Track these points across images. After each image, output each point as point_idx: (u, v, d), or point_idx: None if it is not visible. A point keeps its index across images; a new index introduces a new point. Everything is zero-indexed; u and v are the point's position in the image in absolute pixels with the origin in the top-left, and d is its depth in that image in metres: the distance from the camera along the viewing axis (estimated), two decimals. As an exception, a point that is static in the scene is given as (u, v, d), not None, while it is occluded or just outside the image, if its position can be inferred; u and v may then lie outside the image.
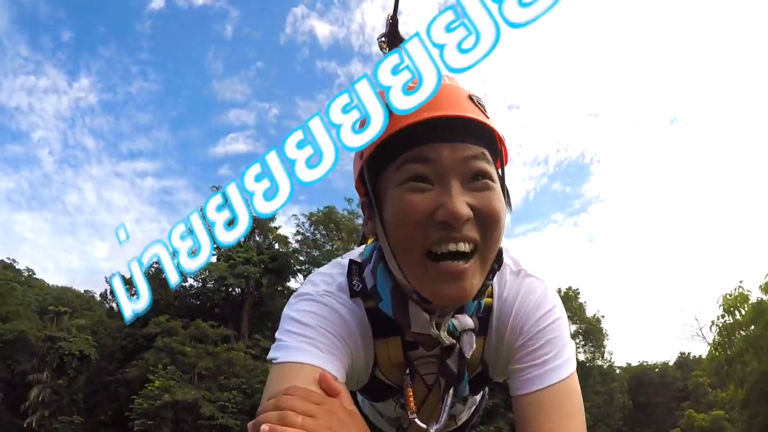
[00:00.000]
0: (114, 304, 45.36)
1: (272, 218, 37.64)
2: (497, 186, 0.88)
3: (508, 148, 0.98)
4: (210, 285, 34.17)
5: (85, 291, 59.97)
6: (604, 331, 40.90)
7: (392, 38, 2.19)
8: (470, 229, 0.85)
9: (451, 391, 1.06)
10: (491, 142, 0.91)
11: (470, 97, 0.90)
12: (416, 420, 1.06)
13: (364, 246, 1.20)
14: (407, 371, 1.10)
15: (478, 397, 1.40)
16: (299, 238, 36.84)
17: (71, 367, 30.04)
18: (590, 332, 39.76)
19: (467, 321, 0.99)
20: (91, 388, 30.75)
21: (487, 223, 0.86)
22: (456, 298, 0.89)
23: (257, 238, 36.48)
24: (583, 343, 39.38)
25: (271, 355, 0.95)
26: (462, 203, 0.82)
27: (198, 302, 34.18)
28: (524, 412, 1.00)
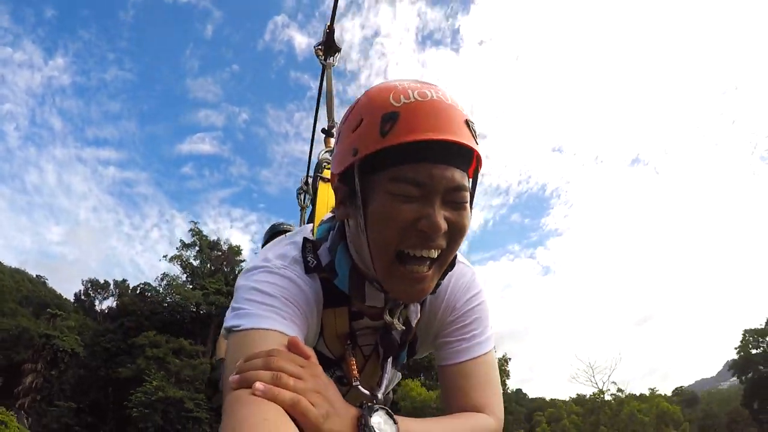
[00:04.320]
0: (86, 305, 51.77)
1: (239, 252, 46.42)
2: (468, 206, 0.98)
3: (482, 166, 1.04)
4: (182, 302, 41.60)
5: (36, 276, 64.82)
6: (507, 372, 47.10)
7: (328, 47, 2.48)
8: (441, 240, 0.95)
9: (390, 359, 1.16)
10: (473, 164, 0.99)
11: (466, 122, 0.94)
12: (359, 387, 1.08)
13: (311, 225, 1.28)
14: (348, 342, 1.17)
15: (399, 375, 1.49)
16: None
17: (63, 362, 37.13)
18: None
19: None
20: (77, 381, 37.88)
21: (456, 236, 0.97)
22: (415, 298, 1.04)
23: (225, 269, 44.90)
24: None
25: (231, 322, 0.95)
26: (441, 218, 0.92)
27: (169, 316, 41.35)
28: (452, 380, 1.16)
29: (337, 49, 2.69)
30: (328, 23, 2.56)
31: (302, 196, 3.08)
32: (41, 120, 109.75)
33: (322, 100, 2.79)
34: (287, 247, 1.14)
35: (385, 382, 1.13)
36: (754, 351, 39.71)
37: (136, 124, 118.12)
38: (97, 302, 53.50)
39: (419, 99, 0.92)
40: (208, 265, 45.27)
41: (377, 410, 0.90)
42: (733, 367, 42.53)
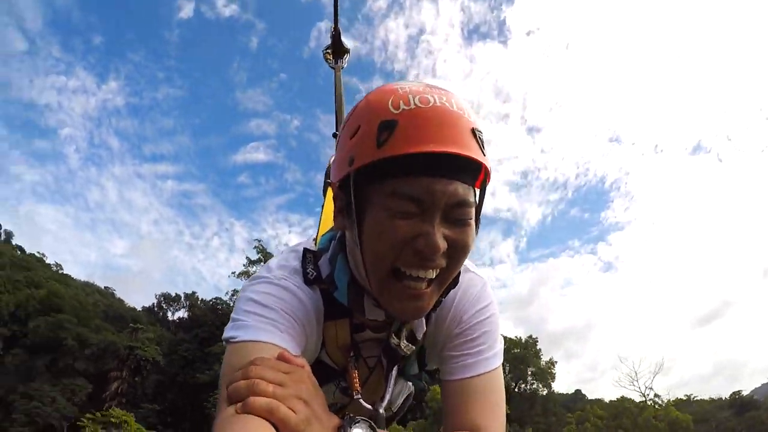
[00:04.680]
0: (159, 316, 55.80)
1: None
2: (473, 222, 0.91)
3: (491, 177, 0.95)
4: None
5: (105, 287, 68.58)
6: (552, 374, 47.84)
7: (336, 50, 2.37)
8: (440, 259, 0.88)
9: (394, 371, 1.12)
10: (480, 176, 0.91)
11: (473, 131, 0.86)
12: (360, 400, 1.07)
13: (315, 235, 1.25)
14: (351, 354, 1.12)
15: (410, 387, 1.43)
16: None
17: (145, 369, 40.94)
18: (538, 373, 46.91)
19: None
20: (157, 385, 41.62)
21: (457, 255, 0.90)
22: (412, 316, 0.97)
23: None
24: (531, 380, 46.85)
25: (228, 334, 0.93)
26: (441, 238, 0.85)
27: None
28: (455, 397, 1.07)
29: (346, 51, 2.61)
30: (332, 25, 2.44)
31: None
32: (99, 141, 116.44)
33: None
34: (289, 257, 1.11)
35: (388, 395, 1.12)
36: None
37: (190, 138, 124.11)
38: (169, 314, 58.11)
39: (420, 106, 0.84)
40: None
41: (359, 422, 0.88)
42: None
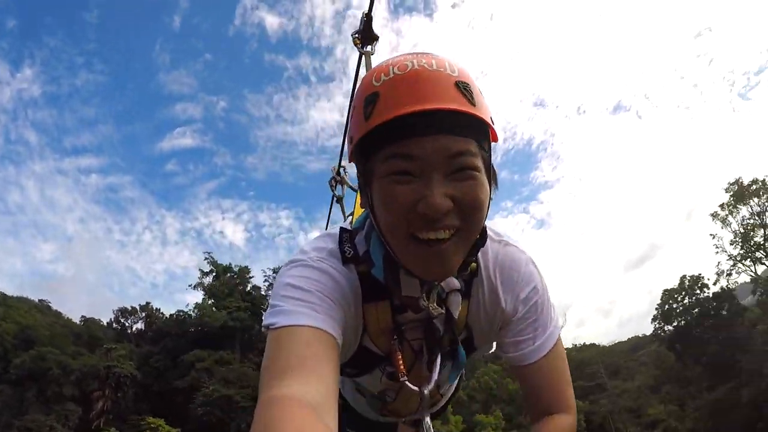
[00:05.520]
0: (119, 330, 59.72)
1: (249, 271, 55.81)
2: (481, 175, 0.88)
3: (495, 129, 0.93)
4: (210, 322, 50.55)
5: (39, 300, 64.79)
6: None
7: (366, 35, 2.35)
8: (451, 218, 0.86)
9: (439, 354, 1.10)
10: (478, 126, 0.88)
11: (457, 84, 0.85)
12: (407, 383, 1.06)
13: (350, 217, 1.35)
14: (395, 337, 1.10)
15: (457, 371, 1.34)
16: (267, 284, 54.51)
17: (126, 384, 46.10)
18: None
19: (453, 282, 1.03)
20: (135, 398, 47.00)
21: (468, 211, 0.87)
22: (438, 275, 0.94)
23: (239, 288, 54.41)
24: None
25: (267, 321, 0.92)
26: (442, 197, 0.84)
27: (202, 335, 50.29)
28: (530, 380, 1.14)
29: (375, 37, 2.60)
30: (366, 12, 2.42)
31: (336, 187, 3.15)
32: (16, 136, 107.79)
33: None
34: (325, 239, 1.10)
35: (434, 377, 1.10)
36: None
37: (114, 126, 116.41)
38: (128, 325, 61.58)
39: (398, 73, 0.86)
40: (225, 290, 53.89)
41: None
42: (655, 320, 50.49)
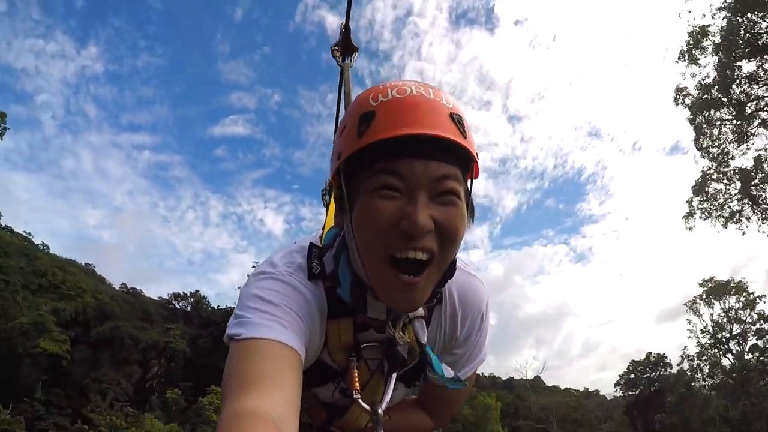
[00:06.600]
0: (180, 305, 70.35)
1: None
2: (462, 204, 0.90)
3: (479, 166, 0.96)
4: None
5: (85, 264, 71.20)
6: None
7: (345, 47, 2.28)
8: (429, 241, 0.87)
9: (394, 375, 1.12)
10: (465, 159, 0.91)
11: (451, 115, 0.88)
12: (359, 401, 1.06)
13: (321, 230, 1.23)
14: (353, 354, 1.11)
15: (406, 391, 1.38)
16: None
17: (177, 357, 56.73)
18: None
19: (418, 309, 1.03)
20: (186, 368, 57.58)
21: (446, 237, 0.88)
22: (406, 307, 0.95)
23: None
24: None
25: (232, 331, 0.90)
26: (425, 216, 0.84)
27: None
28: (435, 396, 1.26)
29: (355, 49, 2.51)
30: (343, 23, 2.35)
31: (326, 198, 2.98)
32: (76, 108, 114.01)
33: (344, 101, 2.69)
34: (294, 254, 1.10)
35: (387, 398, 1.10)
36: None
37: (169, 108, 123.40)
38: (178, 307, 71.82)
39: (397, 96, 0.88)
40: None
41: None
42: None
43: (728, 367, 40.68)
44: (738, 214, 22.06)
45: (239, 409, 0.74)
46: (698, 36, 20.60)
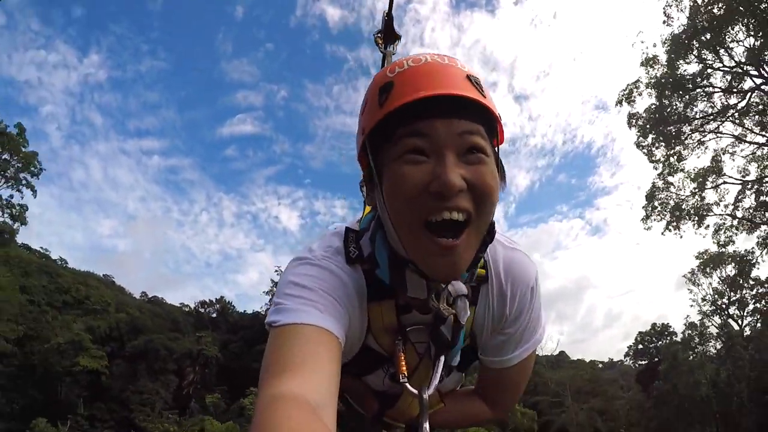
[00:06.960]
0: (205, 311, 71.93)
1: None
2: (491, 161, 0.89)
3: (504, 128, 0.96)
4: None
5: (104, 275, 69.92)
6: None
7: (388, 34, 2.35)
8: (463, 200, 0.85)
9: (442, 358, 1.05)
10: (487, 120, 0.90)
11: (468, 77, 0.89)
12: (407, 384, 1.04)
13: (360, 215, 1.23)
14: (399, 337, 1.09)
15: (460, 377, 1.38)
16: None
17: (210, 364, 58.16)
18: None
19: (461, 287, 0.94)
20: (219, 374, 59.11)
21: (481, 195, 0.87)
22: (447, 272, 0.91)
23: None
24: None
25: (270, 318, 0.91)
26: (456, 174, 0.83)
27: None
28: (491, 379, 1.22)
29: (397, 37, 2.57)
30: (386, 11, 2.45)
31: (364, 189, 2.34)
32: (81, 118, 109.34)
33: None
34: (332, 237, 1.11)
35: (435, 381, 1.04)
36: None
37: (176, 111, 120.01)
38: (204, 314, 72.95)
39: (413, 65, 0.90)
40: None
41: None
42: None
43: (714, 334, 43.05)
44: (676, 220, 26.09)
45: (274, 393, 0.74)
46: (631, 89, 24.93)
